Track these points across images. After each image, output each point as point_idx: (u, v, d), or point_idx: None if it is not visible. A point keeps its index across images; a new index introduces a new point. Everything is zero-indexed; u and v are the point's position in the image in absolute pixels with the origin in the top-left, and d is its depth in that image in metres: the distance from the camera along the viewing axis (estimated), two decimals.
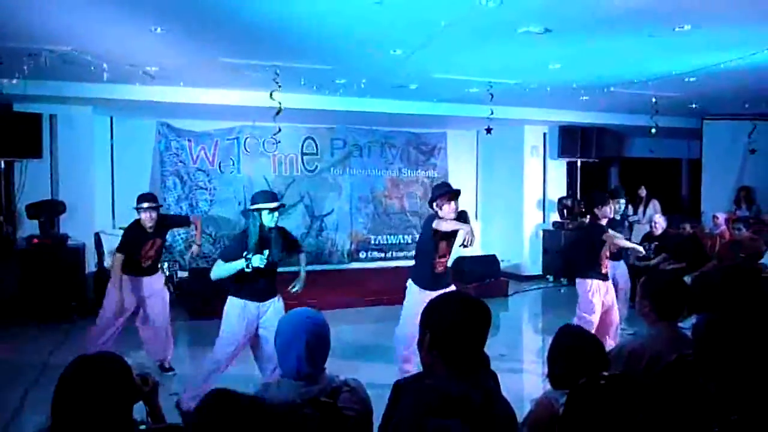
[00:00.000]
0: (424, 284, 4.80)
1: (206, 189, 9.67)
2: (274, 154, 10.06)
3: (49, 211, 7.85)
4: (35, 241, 7.60)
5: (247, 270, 4.12)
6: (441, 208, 4.74)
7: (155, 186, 9.08)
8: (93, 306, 7.58)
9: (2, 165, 7.78)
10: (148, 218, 5.42)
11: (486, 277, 9.30)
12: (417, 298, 4.77)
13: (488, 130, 8.40)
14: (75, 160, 8.15)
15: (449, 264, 5.11)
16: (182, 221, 6.15)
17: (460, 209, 4.87)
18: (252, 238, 4.20)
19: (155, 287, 5.63)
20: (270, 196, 4.38)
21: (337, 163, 10.61)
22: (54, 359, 5.88)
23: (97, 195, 8.68)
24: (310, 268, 9.60)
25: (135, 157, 9.13)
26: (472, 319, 1.85)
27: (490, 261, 9.57)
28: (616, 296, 5.72)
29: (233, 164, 9.89)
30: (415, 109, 8.93)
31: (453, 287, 4.80)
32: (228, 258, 4.21)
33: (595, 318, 5.36)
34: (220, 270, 4.20)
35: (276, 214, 4.28)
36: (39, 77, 6.58)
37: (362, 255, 10.78)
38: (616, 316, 5.51)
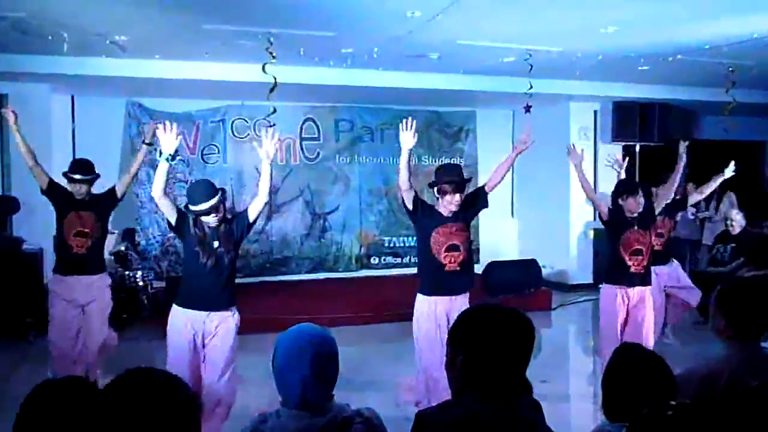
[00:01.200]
0: (430, 289, 4.73)
1: (186, 182, 9.69)
2: None
3: (0, 209, 7.99)
4: None
5: (165, 161, 4.17)
6: (442, 197, 4.75)
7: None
8: None
9: None
10: (77, 190, 5.41)
11: (524, 286, 9.32)
12: (422, 310, 4.71)
13: (527, 109, 8.39)
14: (33, 150, 8.27)
15: (463, 265, 4.91)
16: (112, 191, 5.71)
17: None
18: (191, 239, 4.28)
19: (95, 290, 5.51)
20: (204, 190, 4.32)
21: (343, 149, 10.72)
22: (9, 386, 5.95)
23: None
24: (311, 276, 10.05)
25: (101, 144, 9.05)
26: (515, 336, 1.87)
27: (529, 267, 9.58)
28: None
29: (218, 152, 10.04)
30: (437, 84, 8.99)
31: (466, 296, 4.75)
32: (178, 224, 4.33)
33: (610, 334, 5.37)
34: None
35: (213, 216, 4.26)
36: None
37: (374, 260, 10.90)
38: (647, 334, 5.43)
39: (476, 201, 4.92)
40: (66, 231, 5.47)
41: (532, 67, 7.52)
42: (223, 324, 4.32)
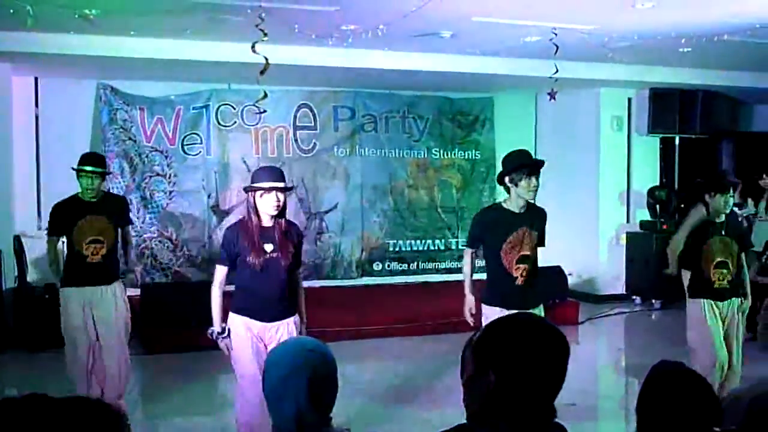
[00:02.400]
0: (499, 299, 4.93)
1: (164, 176, 9.83)
2: (257, 127, 10.18)
3: None
4: None
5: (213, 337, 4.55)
6: (517, 185, 4.93)
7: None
8: (13, 334, 7.88)
9: None
10: (88, 185, 5.59)
11: (548, 297, 9.26)
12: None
13: (551, 96, 8.39)
14: None
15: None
16: (127, 217, 6.14)
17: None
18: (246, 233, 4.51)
19: (108, 300, 5.71)
20: (276, 173, 4.60)
21: (342, 140, 10.73)
22: None
23: (17, 184, 8.83)
24: (305, 284, 9.87)
25: (67, 133, 9.17)
26: (556, 355, 1.86)
27: (554, 275, 9.56)
28: None
29: (201, 142, 10.05)
30: (450, 66, 9.00)
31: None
32: (224, 261, 4.60)
33: (706, 353, 5.41)
34: (214, 295, 4.60)
35: (276, 196, 4.48)
36: None
37: (377, 267, 10.93)
38: (733, 350, 5.53)
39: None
40: (77, 239, 5.64)
41: (558, 48, 7.52)
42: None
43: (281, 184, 4.49)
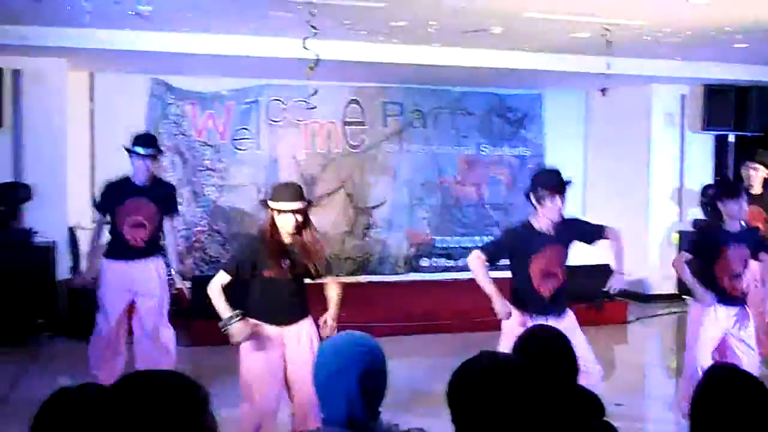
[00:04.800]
0: (522, 306, 5.00)
1: (215, 171, 9.86)
2: (307, 123, 10.19)
3: (9, 197, 8.03)
4: None
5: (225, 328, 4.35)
6: (541, 203, 4.92)
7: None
8: (67, 323, 7.93)
9: None
10: (140, 167, 5.58)
11: (595, 296, 9.11)
12: (512, 326, 4.92)
13: (603, 92, 8.29)
14: (44, 130, 8.36)
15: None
16: (174, 206, 6.07)
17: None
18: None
19: (150, 276, 5.77)
20: (291, 192, 4.45)
21: (391, 136, 10.69)
22: (17, 394, 6.05)
23: (72, 177, 8.80)
24: (351, 279, 9.71)
25: (121, 127, 8.73)
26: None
27: (602, 274, 9.20)
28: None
29: (251, 137, 10.04)
30: (499, 62, 8.93)
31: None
32: (230, 271, 4.47)
33: (700, 355, 5.42)
34: (212, 293, 4.44)
35: (294, 218, 4.38)
36: None
37: (424, 263, 10.89)
38: (749, 361, 5.39)
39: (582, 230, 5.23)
40: (119, 220, 5.66)
41: (609, 43, 7.40)
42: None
43: (298, 205, 4.36)
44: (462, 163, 10.96)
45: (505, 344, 4.77)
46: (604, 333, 8.03)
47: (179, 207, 6.45)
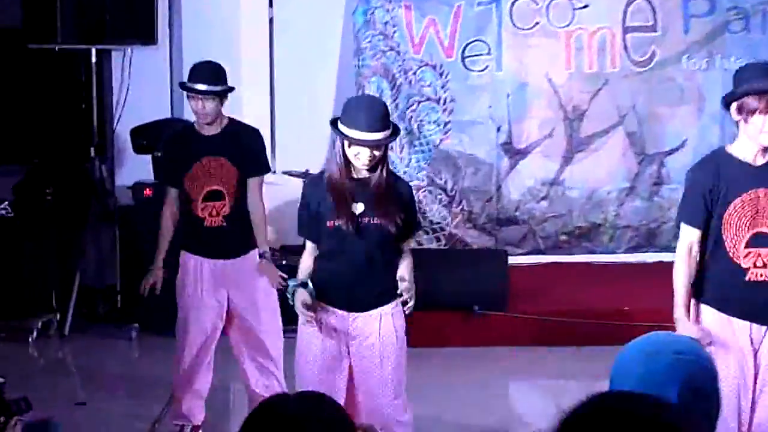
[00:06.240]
0: (720, 302, 4.14)
1: (437, 101, 8.44)
2: (570, 31, 8.54)
3: (151, 134, 7.55)
4: (146, 192, 7.22)
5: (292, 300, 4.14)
6: (747, 120, 3.87)
7: (346, 92, 7.81)
8: None
9: (93, 58, 7.48)
10: (201, 110, 5.00)
11: None
12: (715, 328, 4.05)
13: None
14: (211, 49, 7.42)
15: None
16: (260, 161, 5.34)
17: None
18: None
19: (245, 273, 5.23)
20: (376, 113, 4.12)
21: (695, 46, 8.72)
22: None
23: (246, 111, 7.71)
24: (634, 258, 8.92)
25: (309, 41, 8.19)
26: None
27: None
28: None
29: (488, 53, 8.49)
30: None
31: None
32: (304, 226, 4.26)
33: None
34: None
35: (371, 151, 4.01)
36: None
37: None
38: None
39: None
40: (189, 192, 5.10)
41: None
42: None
43: (380, 136, 3.98)
44: None
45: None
46: None
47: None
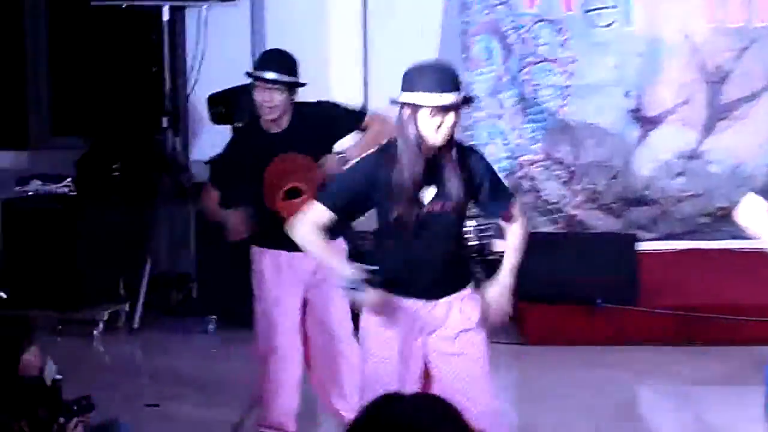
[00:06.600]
0: None
1: (555, 62, 7.96)
2: None
3: (250, 107, 7.57)
4: None
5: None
6: None
7: (449, 54, 7.46)
8: None
9: (165, 16, 7.29)
10: (267, 103, 4.84)
11: None
12: None
13: None
14: (297, 4, 7.58)
15: None
16: (351, 120, 5.21)
17: None
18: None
19: (322, 268, 5.14)
20: (447, 77, 3.80)
21: None
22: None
23: (335, 76, 7.67)
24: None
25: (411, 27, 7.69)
26: None
27: None
28: None
29: (615, 6, 8.02)
30: None
31: None
32: (330, 205, 3.88)
33: None
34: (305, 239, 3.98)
35: (448, 117, 3.65)
36: None
37: None
38: None
39: None
40: (269, 192, 5.11)
41: None
42: None
43: (454, 98, 3.62)
44: None
45: None
46: None
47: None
